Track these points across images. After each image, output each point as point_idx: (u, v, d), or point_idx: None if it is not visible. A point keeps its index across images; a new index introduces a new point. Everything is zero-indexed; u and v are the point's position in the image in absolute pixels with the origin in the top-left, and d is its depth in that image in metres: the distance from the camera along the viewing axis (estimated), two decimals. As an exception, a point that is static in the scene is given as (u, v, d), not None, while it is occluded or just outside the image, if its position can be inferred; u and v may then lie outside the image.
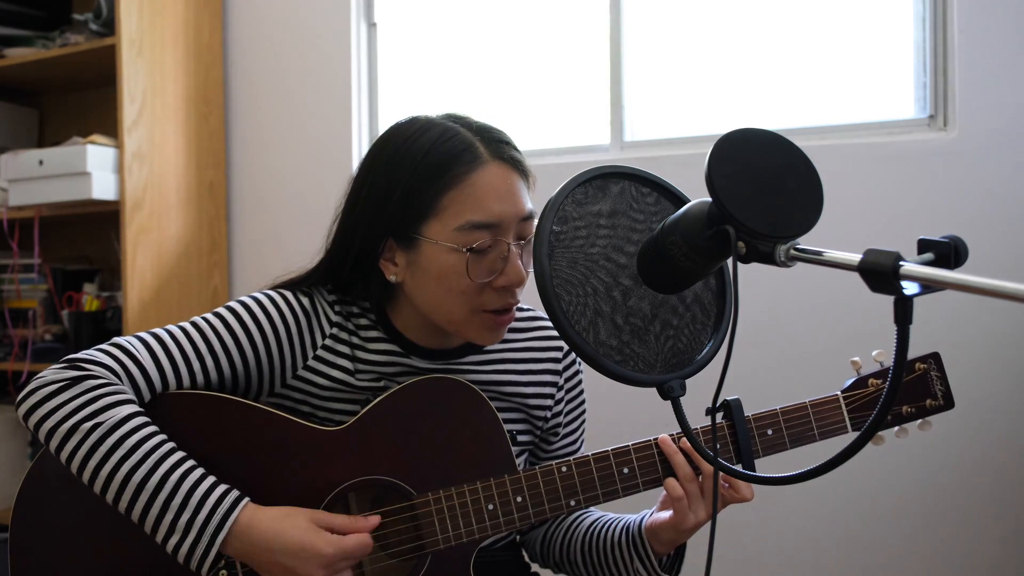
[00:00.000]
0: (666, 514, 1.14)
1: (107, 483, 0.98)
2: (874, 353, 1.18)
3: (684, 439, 1.12)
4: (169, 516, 0.98)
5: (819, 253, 0.68)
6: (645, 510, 1.20)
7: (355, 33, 2.61)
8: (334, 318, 1.14)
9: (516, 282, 1.07)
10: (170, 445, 1.01)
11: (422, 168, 1.05)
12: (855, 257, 0.64)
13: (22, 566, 1.08)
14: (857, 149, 2.03)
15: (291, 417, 1.10)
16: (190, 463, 1.01)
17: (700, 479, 1.11)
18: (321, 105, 2.63)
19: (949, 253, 0.65)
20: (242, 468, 1.07)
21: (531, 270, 0.97)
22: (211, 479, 1.01)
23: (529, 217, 1.08)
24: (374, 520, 1.06)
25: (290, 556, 0.99)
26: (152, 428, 1.01)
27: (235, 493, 1.01)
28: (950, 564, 1.95)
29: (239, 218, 2.76)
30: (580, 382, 1.28)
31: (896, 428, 1.18)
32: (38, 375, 1.04)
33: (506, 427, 1.13)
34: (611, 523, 1.22)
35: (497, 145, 1.08)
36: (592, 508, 1.28)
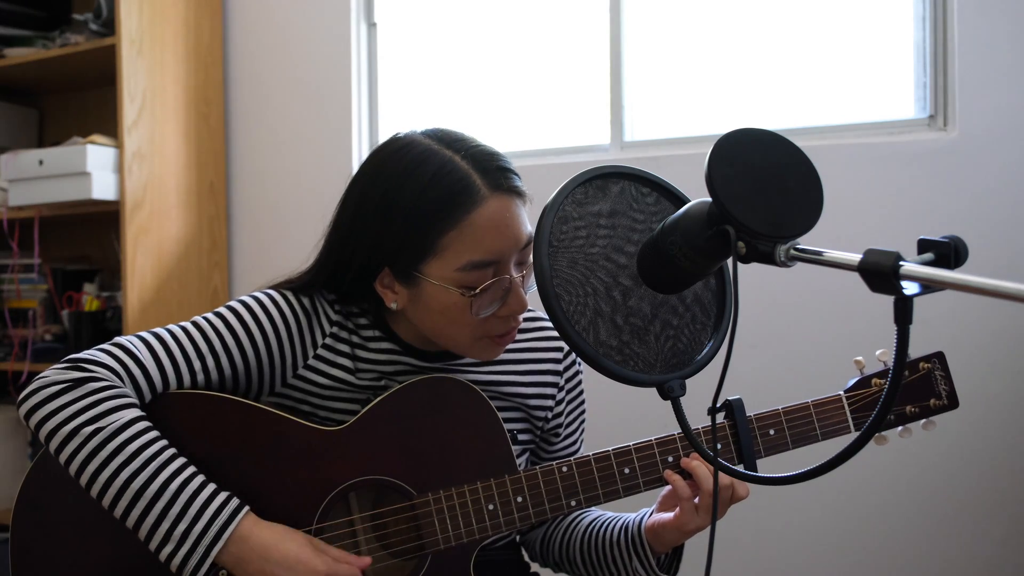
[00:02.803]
0: (669, 515, 1.13)
1: (105, 488, 0.98)
2: (878, 352, 1.18)
3: (695, 455, 1.12)
4: (166, 524, 0.97)
5: (819, 253, 0.68)
6: (644, 509, 1.20)
7: (355, 33, 2.61)
8: (334, 317, 1.14)
9: (519, 311, 1.07)
10: (171, 451, 1.01)
11: (420, 209, 1.03)
12: (855, 257, 0.64)
13: (23, 566, 1.08)
14: (857, 149, 2.03)
15: (291, 417, 1.10)
16: (190, 471, 1.01)
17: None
18: (321, 105, 2.63)
19: (949, 253, 0.65)
20: (242, 468, 1.07)
21: (532, 284, 0.97)
22: (211, 488, 1.00)
23: (529, 241, 1.06)
24: (366, 560, 1.06)
25: (285, 568, 0.99)
26: (154, 434, 1.01)
27: (234, 503, 1.01)
28: (950, 564, 1.95)
29: (239, 218, 2.76)
30: (580, 383, 1.28)
31: (900, 428, 1.18)
32: (40, 375, 1.04)
33: (506, 427, 1.13)
34: (610, 522, 1.22)
35: (494, 175, 1.04)
36: (592, 507, 1.28)
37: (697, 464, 1.11)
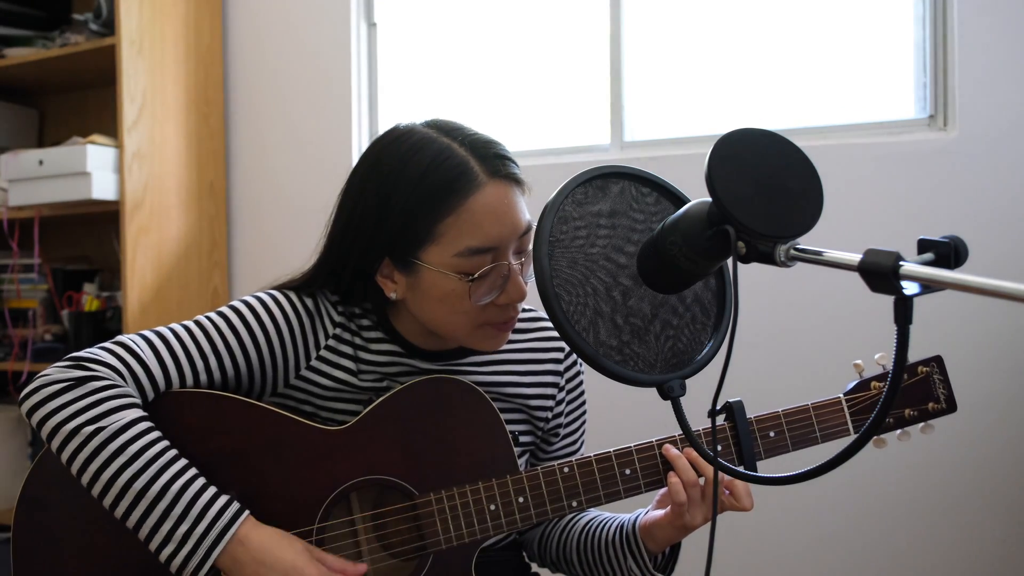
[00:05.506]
0: (661, 512, 1.14)
1: (106, 488, 0.98)
2: (876, 356, 1.18)
3: (688, 448, 1.12)
4: (167, 525, 0.97)
5: (819, 253, 0.68)
6: (640, 509, 1.20)
7: (355, 33, 2.61)
8: (337, 319, 1.14)
9: (518, 299, 1.07)
10: (173, 453, 1.01)
11: (417, 195, 1.03)
12: (855, 257, 0.64)
13: (24, 566, 1.08)
14: (857, 149, 2.03)
15: (294, 416, 1.10)
16: (192, 472, 1.01)
17: (702, 482, 1.11)
18: (321, 105, 2.63)
19: (949, 253, 0.65)
20: (244, 467, 1.07)
21: (531, 277, 0.97)
22: (212, 490, 1.00)
23: (528, 229, 1.07)
24: (362, 567, 1.06)
25: (279, 573, 0.99)
26: (155, 434, 1.01)
27: (235, 507, 1.01)
28: (950, 565, 1.96)
29: (239, 218, 2.76)
30: (581, 383, 1.28)
31: (898, 431, 1.18)
32: (42, 372, 1.04)
33: (508, 428, 1.13)
34: (606, 522, 1.22)
35: (492, 161, 1.05)
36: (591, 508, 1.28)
37: (677, 454, 1.11)
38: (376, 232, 1.06)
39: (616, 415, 1.84)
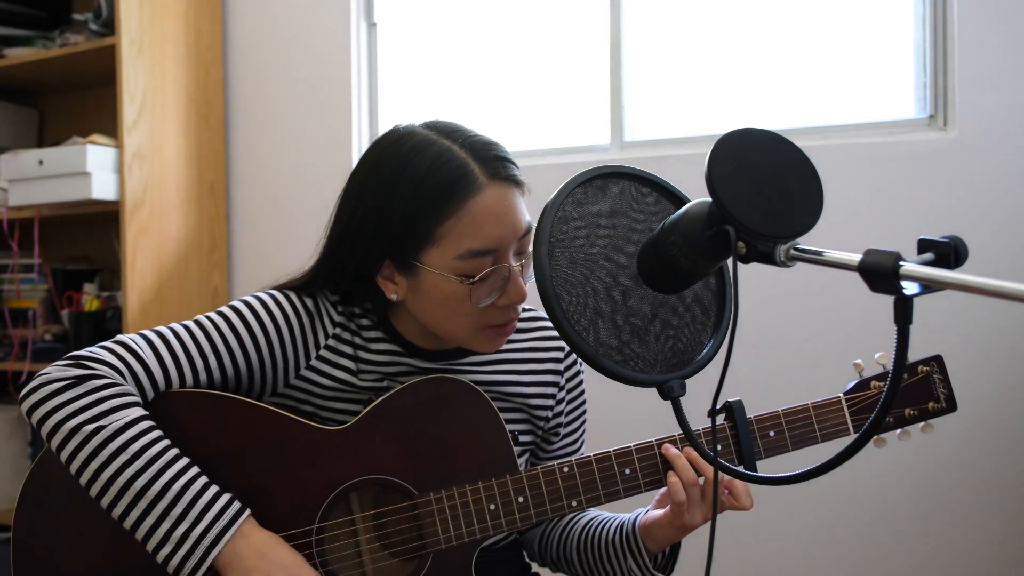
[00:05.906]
0: (661, 512, 1.14)
1: (105, 487, 0.98)
2: (876, 356, 1.18)
3: (688, 447, 1.12)
4: (165, 525, 0.97)
5: (819, 253, 0.68)
6: (640, 509, 1.20)
7: (355, 33, 2.61)
8: (337, 318, 1.14)
9: (518, 300, 1.07)
10: (174, 452, 1.01)
11: (417, 198, 1.03)
12: (855, 257, 0.64)
13: (24, 566, 1.08)
14: (857, 149, 2.03)
15: (294, 416, 1.10)
16: (193, 471, 1.00)
17: (702, 482, 1.11)
18: (321, 105, 2.63)
19: (949, 253, 0.65)
20: (245, 467, 1.07)
21: (531, 277, 0.98)
22: (213, 489, 1.00)
23: (528, 231, 1.07)
24: None
25: (281, 568, 0.99)
26: (156, 433, 1.01)
27: (236, 506, 1.01)
28: (949, 564, 1.96)
29: (239, 218, 2.76)
30: (581, 382, 1.28)
31: (898, 431, 1.18)
32: (42, 371, 1.04)
33: (508, 428, 1.13)
34: (606, 522, 1.22)
35: (492, 164, 1.05)
36: (590, 508, 1.28)
37: (676, 454, 1.11)
38: (376, 235, 1.06)
39: (616, 415, 1.84)
